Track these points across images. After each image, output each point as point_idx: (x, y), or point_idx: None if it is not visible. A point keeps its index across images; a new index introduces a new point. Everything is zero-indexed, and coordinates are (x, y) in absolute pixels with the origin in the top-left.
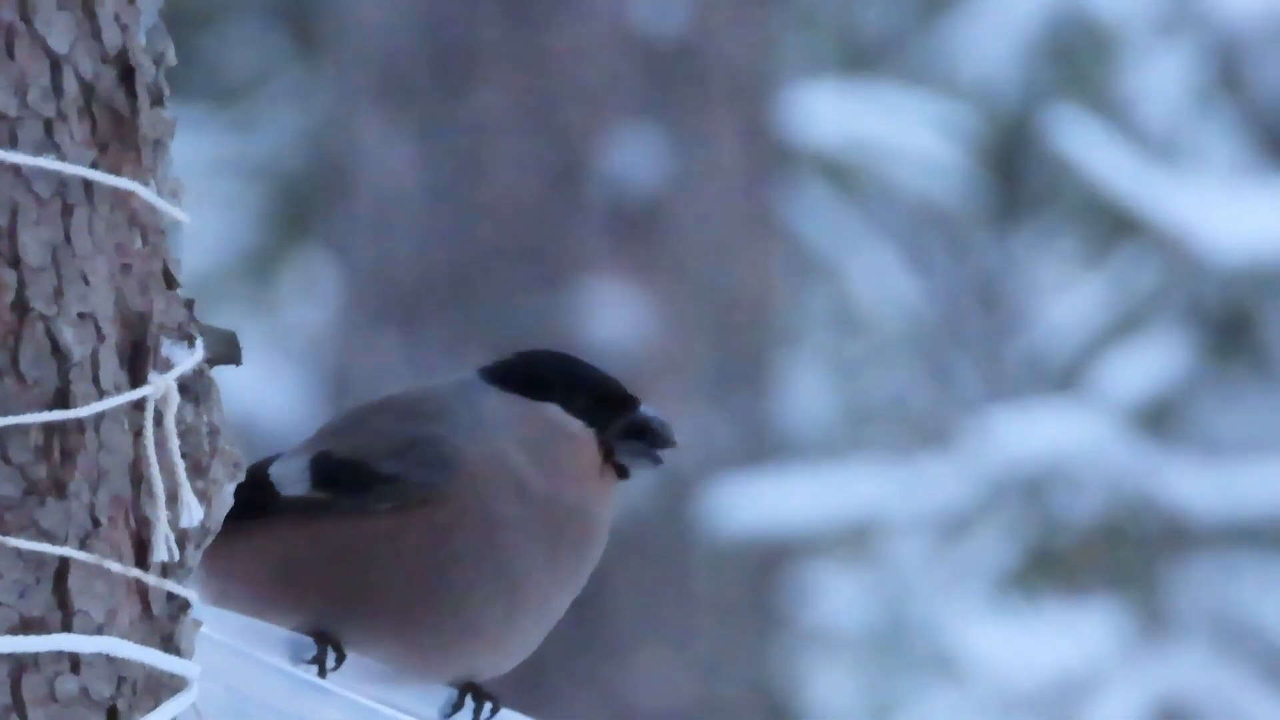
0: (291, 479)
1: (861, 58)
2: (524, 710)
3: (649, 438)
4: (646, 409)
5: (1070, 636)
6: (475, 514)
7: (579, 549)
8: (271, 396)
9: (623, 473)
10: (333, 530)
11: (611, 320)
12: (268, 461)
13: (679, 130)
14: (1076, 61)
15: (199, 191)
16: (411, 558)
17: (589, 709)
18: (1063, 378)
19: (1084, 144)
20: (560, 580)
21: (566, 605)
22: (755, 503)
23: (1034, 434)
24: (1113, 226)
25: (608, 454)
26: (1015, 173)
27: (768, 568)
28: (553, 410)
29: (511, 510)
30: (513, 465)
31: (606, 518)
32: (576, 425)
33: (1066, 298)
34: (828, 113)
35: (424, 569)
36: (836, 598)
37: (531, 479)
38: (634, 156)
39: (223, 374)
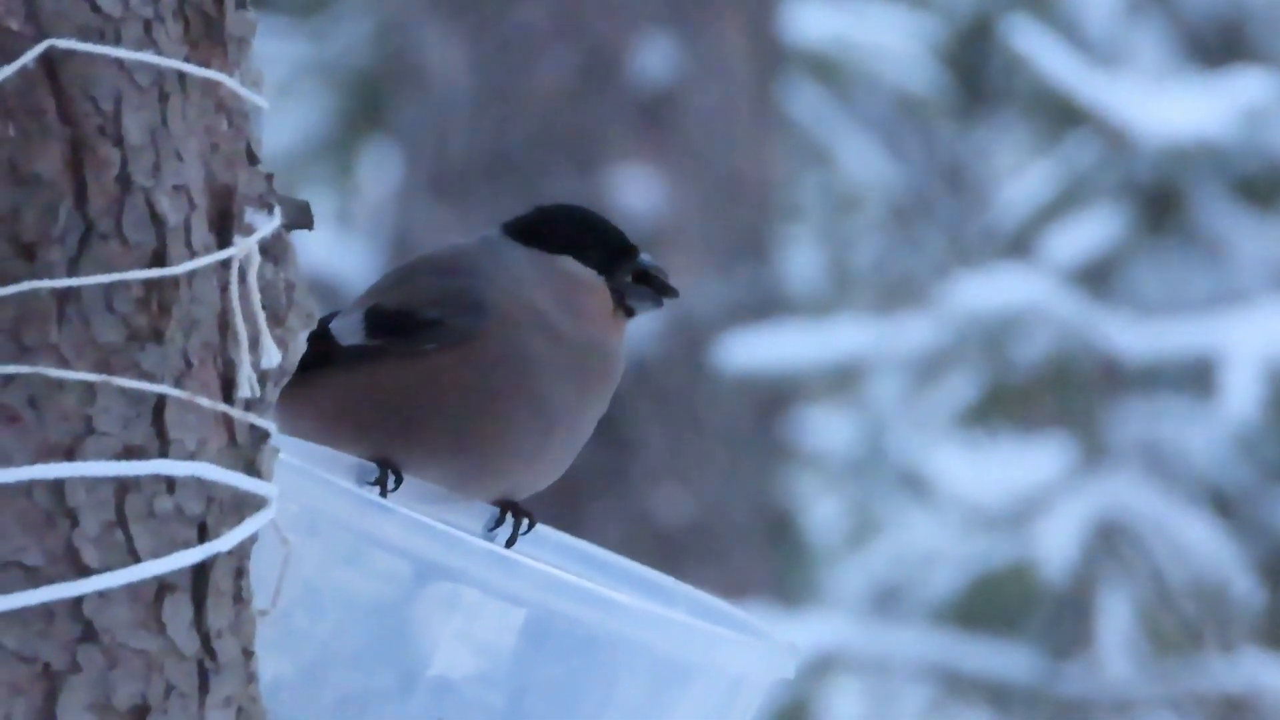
0: (349, 331)
1: None
2: (557, 527)
3: (653, 283)
4: (645, 257)
5: (1022, 463)
6: (507, 350)
7: (599, 379)
8: (345, 259)
9: (630, 312)
10: (387, 371)
11: (634, 197)
12: (329, 318)
13: (693, 35)
14: None
15: (285, 88)
16: (454, 390)
17: (614, 526)
18: (1016, 245)
19: (1036, 47)
20: (583, 406)
21: (590, 430)
22: (758, 351)
23: (992, 292)
24: (1060, 117)
25: (618, 297)
26: (977, 73)
27: (769, 406)
28: (569, 262)
29: (539, 347)
30: (539, 309)
31: (620, 351)
32: (590, 274)
33: (1020, 177)
34: (820, 21)
35: (466, 399)
36: (826, 431)
37: (557, 321)
38: (654, 57)
39: (299, 238)
